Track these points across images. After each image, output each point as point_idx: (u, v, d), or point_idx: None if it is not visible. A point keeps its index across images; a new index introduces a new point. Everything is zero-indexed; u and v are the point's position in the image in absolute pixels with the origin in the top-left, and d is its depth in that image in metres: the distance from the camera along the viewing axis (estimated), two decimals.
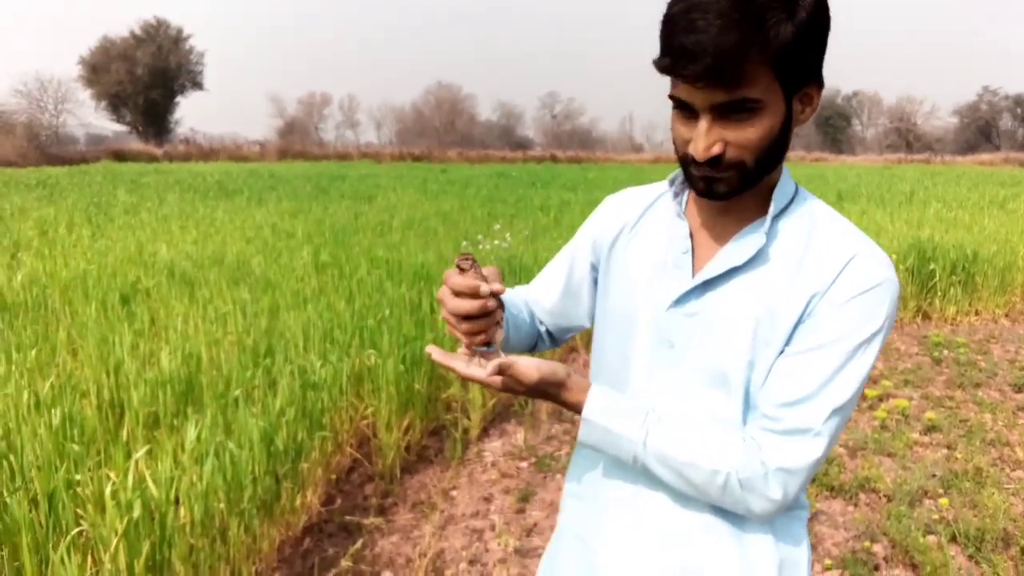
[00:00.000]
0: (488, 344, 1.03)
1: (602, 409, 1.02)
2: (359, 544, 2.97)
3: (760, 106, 0.91)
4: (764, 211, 1.02)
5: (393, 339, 3.99)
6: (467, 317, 0.99)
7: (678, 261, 1.06)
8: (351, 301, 5.05)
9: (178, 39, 62.55)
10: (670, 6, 0.91)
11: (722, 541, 1.03)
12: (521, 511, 3.31)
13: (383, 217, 10.79)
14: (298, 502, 3.06)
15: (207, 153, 44.56)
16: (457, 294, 0.98)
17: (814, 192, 1.20)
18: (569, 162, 45.83)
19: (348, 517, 3.19)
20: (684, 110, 0.95)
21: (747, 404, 1.00)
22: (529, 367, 1.00)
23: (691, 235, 1.07)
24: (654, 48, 0.94)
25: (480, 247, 7.67)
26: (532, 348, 1.31)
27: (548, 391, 1.02)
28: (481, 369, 1.00)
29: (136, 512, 2.18)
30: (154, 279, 5.76)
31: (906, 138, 71.10)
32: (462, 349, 1.04)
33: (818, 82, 0.97)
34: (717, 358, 1.00)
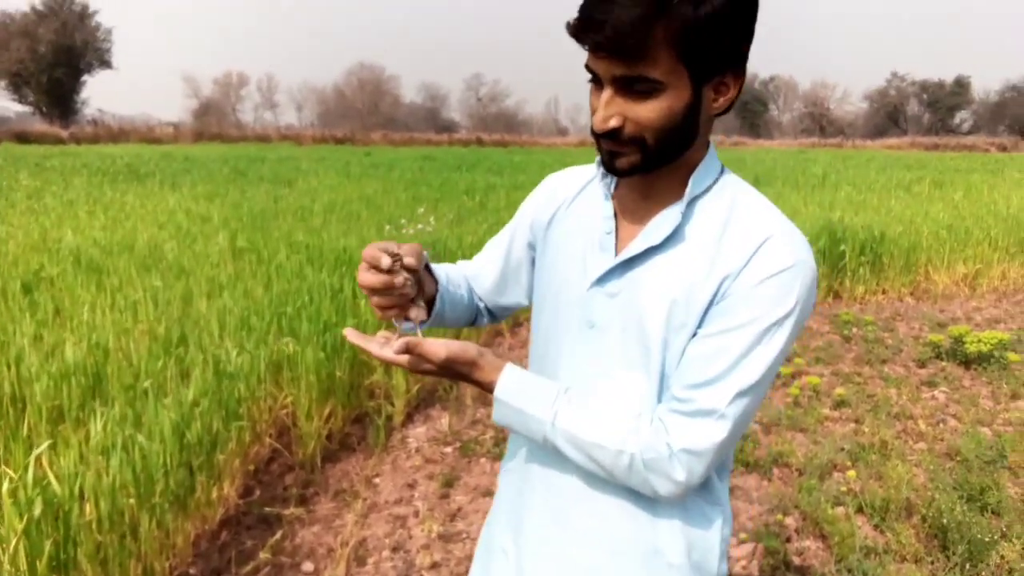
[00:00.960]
0: (408, 322, 1.05)
1: (513, 390, 1.02)
2: (279, 535, 2.91)
3: (660, 87, 0.90)
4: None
5: (313, 326, 3.90)
6: (376, 291, 1.00)
7: (602, 242, 1.06)
8: (269, 287, 4.93)
9: (83, 15, 59.63)
10: None
11: (635, 520, 1.05)
12: (445, 496, 3.30)
13: (304, 201, 10.54)
14: (214, 494, 2.97)
15: (117, 135, 42.49)
16: (371, 268, 1.00)
17: None
18: (495, 145, 45.69)
19: (267, 508, 3.12)
20: (595, 82, 0.95)
21: (664, 386, 1.01)
22: (436, 345, 1.00)
23: (616, 216, 1.07)
24: None
25: (403, 231, 7.58)
26: (472, 323, 1.33)
27: (458, 370, 1.02)
28: (391, 349, 1.00)
29: (37, 510, 2.08)
30: (59, 266, 5.48)
31: (820, 123, 73.48)
32: (381, 331, 1.06)
33: (735, 72, 0.95)
34: (635, 338, 1.01)
